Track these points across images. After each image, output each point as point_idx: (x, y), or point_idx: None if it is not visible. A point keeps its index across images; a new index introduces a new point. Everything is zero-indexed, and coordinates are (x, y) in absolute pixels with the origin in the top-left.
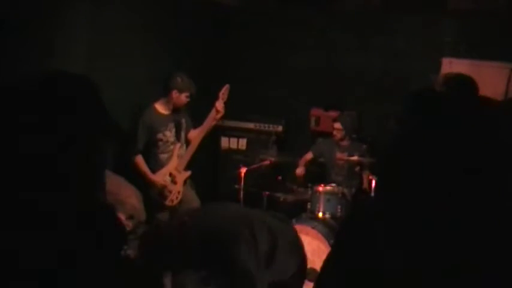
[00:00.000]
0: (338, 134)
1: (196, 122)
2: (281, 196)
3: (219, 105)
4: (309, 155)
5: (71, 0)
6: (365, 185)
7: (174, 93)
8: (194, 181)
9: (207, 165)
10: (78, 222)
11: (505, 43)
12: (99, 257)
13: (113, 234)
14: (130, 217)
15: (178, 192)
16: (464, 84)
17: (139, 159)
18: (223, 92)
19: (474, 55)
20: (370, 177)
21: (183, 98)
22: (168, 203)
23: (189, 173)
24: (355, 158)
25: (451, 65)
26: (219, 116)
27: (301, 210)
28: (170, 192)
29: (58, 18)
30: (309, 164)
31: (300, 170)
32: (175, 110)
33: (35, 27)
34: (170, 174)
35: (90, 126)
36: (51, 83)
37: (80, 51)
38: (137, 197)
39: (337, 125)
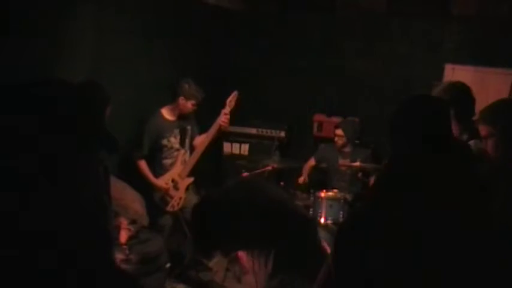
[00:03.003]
0: (340, 141)
1: (199, 126)
2: None
3: (226, 112)
4: (312, 161)
5: (76, 4)
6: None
7: (181, 100)
8: (196, 186)
9: (210, 170)
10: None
11: (508, 49)
12: (85, 259)
13: (98, 238)
14: (133, 222)
15: (180, 198)
16: (460, 93)
17: (143, 164)
18: (231, 99)
19: (477, 61)
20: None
21: (189, 105)
22: (169, 208)
23: (191, 179)
24: (357, 164)
25: (454, 72)
26: (224, 124)
27: None
28: (172, 197)
29: (63, 22)
30: (313, 171)
31: (302, 179)
32: (181, 116)
33: (40, 31)
34: (173, 180)
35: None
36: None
37: (85, 56)
38: (140, 202)
39: (339, 132)
